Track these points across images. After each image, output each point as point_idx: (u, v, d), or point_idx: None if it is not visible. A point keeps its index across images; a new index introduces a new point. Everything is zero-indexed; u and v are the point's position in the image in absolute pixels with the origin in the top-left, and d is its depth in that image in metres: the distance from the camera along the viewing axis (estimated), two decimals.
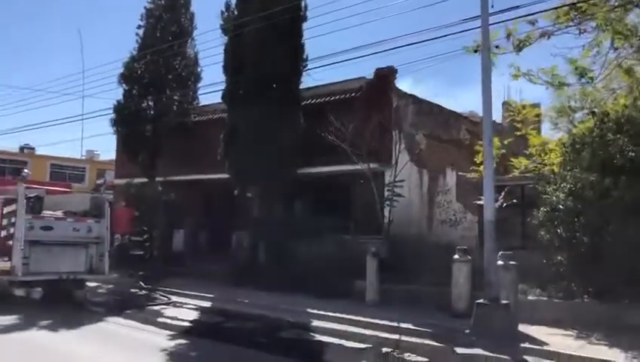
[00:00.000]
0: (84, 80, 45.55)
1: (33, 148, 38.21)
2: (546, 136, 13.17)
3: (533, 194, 11.67)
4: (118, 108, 18.48)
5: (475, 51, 9.40)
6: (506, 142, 13.93)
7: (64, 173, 36.38)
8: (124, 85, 18.66)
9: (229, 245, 15.84)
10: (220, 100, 15.96)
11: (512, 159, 13.19)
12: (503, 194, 12.21)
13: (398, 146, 13.55)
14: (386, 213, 13.54)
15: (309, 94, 15.41)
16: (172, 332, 9.13)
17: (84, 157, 38.53)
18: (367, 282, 11.67)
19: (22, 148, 37.89)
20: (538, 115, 13.85)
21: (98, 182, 16.84)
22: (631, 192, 8.55)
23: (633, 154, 8.67)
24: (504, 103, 20.23)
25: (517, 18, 10.61)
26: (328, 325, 9.77)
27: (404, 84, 15.16)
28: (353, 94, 14.83)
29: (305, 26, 14.81)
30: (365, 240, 12.92)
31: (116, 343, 8.35)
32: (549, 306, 9.82)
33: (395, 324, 9.52)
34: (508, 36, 10.94)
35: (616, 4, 9.39)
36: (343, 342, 8.66)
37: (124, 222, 15.80)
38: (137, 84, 18.49)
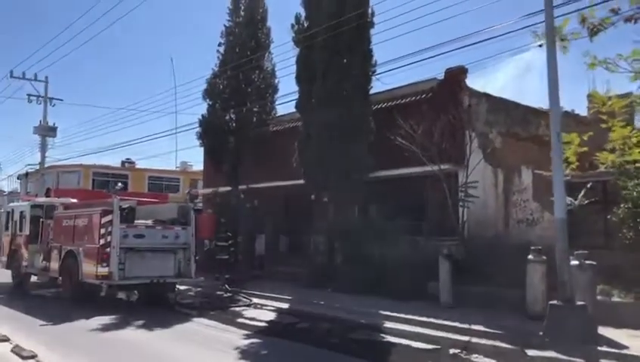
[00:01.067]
0: (176, 97, 48.48)
1: (133, 163, 41.27)
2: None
3: (616, 191, 11.09)
4: (203, 122, 19.66)
5: (540, 46, 9.14)
6: (585, 137, 13.29)
7: (161, 183, 38.81)
8: (207, 100, 19.82)
9: (307, 248, 16.34)
10: (295, 110, 16.57)
11: (598, 154, 12.56)
12: (583, 191, 11.68)
13: (470, 146, 13.36)
14: (461, 214, 13.41)
15: (380, 98, 15.59)
16: (249, 332, 9.67)
17: (178, 169, 41.01)
18: (440, 284, 11.64)
19: (123, 163, 41.08)
20: (627, 106, 13.05)
21: (185, 192, 18.01)
22: None
23: None
24: (589, 95, 19.23)
25: (590, 6, 10.19)
26: (399, 326, 9.90)
27: (477, 83, 14.86)
28: (424, 96, 14.81)
29: (372, 31, 15.03)
30: (439, 242, 12.87)
31: (197, 341, 8.97)
32: (633, 308, 9.32)
33: (467, 326, 9.48)
34: (582, 21, 10.51)
35: None
36: (412, 343, 8.76)
37: (209, 228, 16.79)
38: (219, 99, 19.57)
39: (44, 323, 10.38)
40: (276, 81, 19.78)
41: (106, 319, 10.64)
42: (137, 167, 40.41)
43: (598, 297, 9.52)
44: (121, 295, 14.42)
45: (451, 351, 8.14)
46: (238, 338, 9.13)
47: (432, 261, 12.00)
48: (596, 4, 10.11)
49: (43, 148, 31.70)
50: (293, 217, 19.08)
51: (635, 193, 9.11)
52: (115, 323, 10.44)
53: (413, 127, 13.14)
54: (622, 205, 9.52)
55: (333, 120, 14.36)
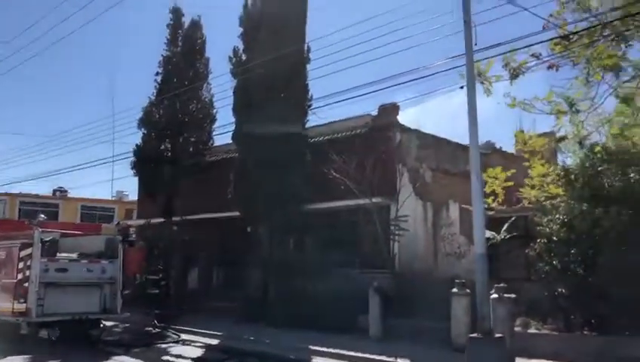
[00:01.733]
0: (114, 125, 47.31)
1: (66, 191, 39.67)
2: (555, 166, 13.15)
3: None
4: (138, 151, 19.25)
5: (462, 87, 9.61)
6: (509, 173, 13.99)
7: (94, 213, 37.48)
8: (142, 129, 19.46)
9: (242, 282, 16.13)
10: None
11: (521, 190, 13.21)
12: (505, 225, 12.21)
13: (400, 180, 13.75)
14: (392, 248, 13.67)
15: (316, 132, 15.83)
16: None
17: (113, 198, 39.72)
18: (370, 317, 11.76)
19: (55, 191, 39.39)
20: (546, 145, 13.83)
21: (114, 223, 17.46)
22: (621, 222, 8.52)
23: (621, 184, 8.67)
24: (516, 134, 20.32)
25: (513, 50, 10.85)
26: (327, 361, 9.88)
27: (409, 120, 15.39)
28: (359, 131, 15.18)
29: (309, 67, 15.36)
30: (371, 275, 13.03)
31: None
32: (548, 339, 9.72)
33: (393, 359, 9.60)
34: (505, 65, 11.18)
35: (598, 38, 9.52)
36: None
37: (138, 262, 16.28)
38: (155, 128, 19.25)
39: None
40: (214, 111, 19.74)
41: (21, 359, 10.01)
42: (69, 196, 38.90)
43: (517, 329, 9.89)
44: (44, 333, 13.63)
45: None
46: None
47: (363, 294, 12.13)
48: (518, 49, 10.86)
49: None
50: (228, 250, 18.80)
51: (548, 229, 9.60)
52: None
53: (347, 161, 13.41)
54: (538, 240, 10.00)
55: (269, 152, 14.43)
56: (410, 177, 14.47)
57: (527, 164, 12.95)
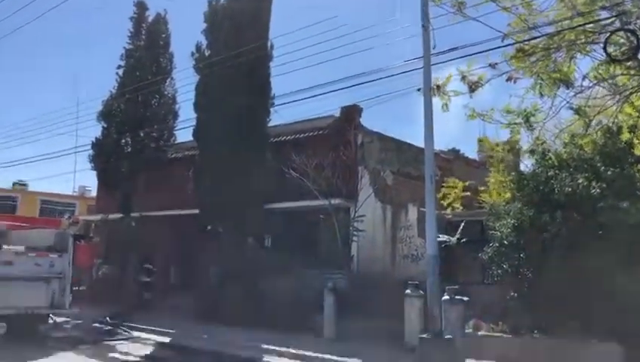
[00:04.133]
0: (78, 117, 46.18)
1: (25, 185, 38.50)
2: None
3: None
4: (96, 145, 18.81)
5: (419, 90, 9.68)
6: (467, 183, 14.16)
7: (55, 208, 36.48)
8: (102, 123, 19.03)
9: (199, 280, 15.89)
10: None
11: (480, 196, 13.39)
12: (460, 229, 12.36)
13: (360, 182, 13.78)
14: (350, 249, 13.68)
15: (277, 131, 15.75)
16: None
17: (75, 193, 38.73)
18: (325, 317, 11.73)
19: (14, 184, 38.19)
20: (513, 153, 14.04)
21: (66, 217, 17.01)
22: (567, 227, 8.70)
23: (570, 189, 8.85)
24: (479, 140, 20.63)
25: (465, 56, 10.95)
26: (277, 360, 9.82)
27: (370, 122, 15.47)
28: (320, 131, 15.16)
29: (271, 64, 15.25)
30: (329, 276, 12.99)
31: None
32: (498, 342, 9.81)
33: (344, 359, 9.57)
34: (463, 78, 11.30)
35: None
36: None
37: (88, 257, 15.88)
38: (115, 122, 18.86)
39: None
40: (177, 107, 19.42)
41: None
42: (29, 189, 37.78)
43: (468, 331, 9.98)
44: None
45: None
46: None
47: (320, 294, 12.09)
48: (476, 54, 10.96)
49: None
50: (187, 247, 18.50)
51: (499, 233, 9.74)
52: None
53: (307, 162, 13.36)
54: (490, 244, 10.13)
55: (229, 150, 14.27)
56: (371, 179, 14.53)
57: (492, 169, 13.17)
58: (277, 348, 10.49)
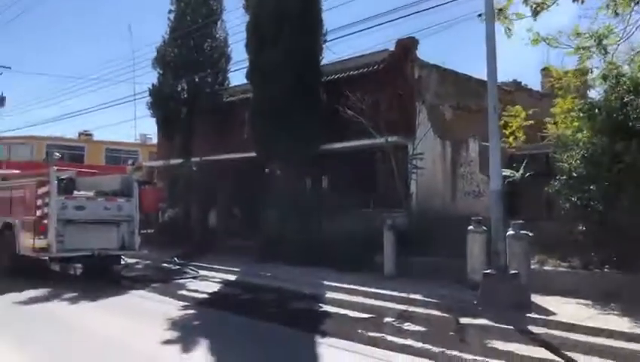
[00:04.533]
0: (135, 64, 46.90)
1: (91, 135, 40.17)
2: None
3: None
4: (153, 92, 19.08)
5: (479, 15, 9.06)
6: (531, 111, 13.45)
7: (119, 156, 37.96)
8: (158, 69, 19.21)
9: (260, 221, 16.22)
10: None
11: (546, 127, 12.75)
12: (524, 163, 11.85)
13: (418, 118, 13.36)
14: (409, 186, 13.47)
15: (331, 70, 15.37)
16: (187, 304, 9.55)
17: (137, 140, 40.07)
18: (385, 255, 11.72)
19: (80, 135, 39.91)
20: (582, 83, 13.18)
21: (129, 163, 17.59)
22: None
23: None
24: (543, 69, 19.44)
25: None
26: (340, 296, 9.93)
27: (427, 55, 14.82)
28: (375, 67, 14.67)
29: None
30: (387, 214, 12.90)
31: (127, 313, 8.81)
32: (566, 276, 9.54)
33: (405, 295, 9.57)
34: (525, 1, 10.48)
35: None
36: (349, 312, 8.78)
37: (152, 201, 16.45)
38: (170, 68, 18.98)
39: None
40: (229, 50, 19.28)
41: (40, 292, 10.34)
42: (94, 139, 39.41)
43: (534, 266, 9.72)
44: (66, 269, 14.07)
45: (385, 319, 8.18)
46: (173, 309, 8.99)
47: (379, 233, 12.05)
48: None
49: None
50: (246, 190, 18.83)
51: (567, 165, 9.22)
52: (49, 295, 10.15)
53: (362, 99, 13.02)
54: (557, 177, 9.66)
55: (283, 91, 14.10)
56: (429, 115, 14.04)
57: (558, 100, 12.42)
58: (339, 285, 10.63)
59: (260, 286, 11.24)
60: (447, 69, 15.13)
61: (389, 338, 7.03)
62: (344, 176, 15.11)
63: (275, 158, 15.23)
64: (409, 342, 6.86)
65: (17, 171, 15.23)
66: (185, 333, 7.22)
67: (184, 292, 10.85)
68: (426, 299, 9.21)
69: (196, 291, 10.91)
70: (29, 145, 34.83)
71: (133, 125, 56.27)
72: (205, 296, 10.47)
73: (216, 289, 11.24)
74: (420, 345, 6.72)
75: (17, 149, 34.58)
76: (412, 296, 9.49)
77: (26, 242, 12.07)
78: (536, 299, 8.75)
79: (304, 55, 14.30)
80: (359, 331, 7.38)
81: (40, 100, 69.69)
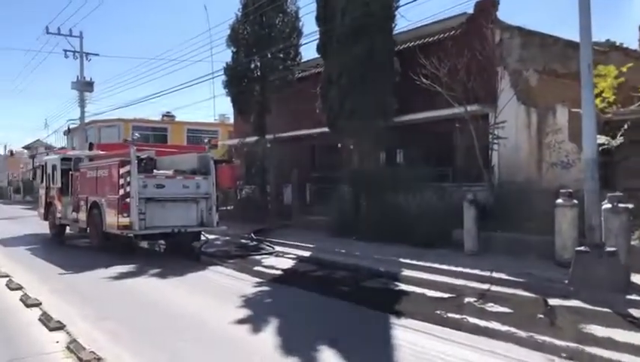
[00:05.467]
0: (212, 43, 47.79)
1: (173, 116, 41.76)
2: None
3: None
4: (228, 70, 19.24)
5: None
6: (624, 68, 12.17)
7: (200, 136, 39.18)
8: (232, 47, 19.33)
9: (334, 197, 16.02)
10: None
11: None
12: (622, 129, 10.73)
13: (500, 84, 12.46)
14: (490, 158, 12.68)
15: (405, 38, 14.70)
16: (262, 280, 9.52)
17: (217, 120, 41.19)
18: (465, 230, 11.13)
19: (163, 116, 41.57)
20: None
21: (205, 142, 17.87)
22: None
23: None
24: None
25: None
26: (418, 274, 9.53)
27: (509, 16, 13.76)
28: (452, 32, 13.86)
29: None
30: (467, 188, 12.24)
31: (204, 289, 8.89)
32: None
33: (488, 274, 9.02)
34: None
35: None
36: (427, 291, 8.37)
37: (229, 179, 16.67)
38: (243, 45, 19.03)
39: (64, 272, 10.55)
40: (300, 24, 19.01)
41: (124, 268, 10.73)
42: (176, 120, 40.99)
43: (634, 242, 8.81)
44: (149, 245, 14.64)
45: (466, 299, 7.70)
46: (249, 285, 8.99)
47: (458, 208, 11.47)
48: None
49: (81, 103, 32.11)
50: (320, 165, 18.73)
51: None
52: (131, 271, 10.50)
53: (439, 67, 12.32)
54: None
55: (354, 61, 13.66)
56: (512, 81, 13.07)
57: None
58: (416, 262, 10.22)
59: (334, 262, 11.05)
60: (531, 31, 13.97)
61: (471, 320, 6.57)
62: (420, 149, 14.52)
63: (348, 132, 14.88)
64: (493, 324, 6.37)
65: (102, 152, 15.89)
66: (257, 311, 7.15)
67: (259, 268, 10.87)
68: (511, 278, 8.62)
69: (271, 267, 10.91)
70: (116, 127, 36.78)
71: (212, 105, 57.84)
72: (280, 272, 10.43)
73: (290, 266, 11.19)
74: (505, 328, 6.21)
75: (106, 131, 36.66)
76: (495, 274, 8.92)
77: (111, 220, 12.60)
78: (637, 279, 7.94)
79: (375, 22, 13.73)
80: (438, 312, 6.97)
81: (124, 83, 73.28)
